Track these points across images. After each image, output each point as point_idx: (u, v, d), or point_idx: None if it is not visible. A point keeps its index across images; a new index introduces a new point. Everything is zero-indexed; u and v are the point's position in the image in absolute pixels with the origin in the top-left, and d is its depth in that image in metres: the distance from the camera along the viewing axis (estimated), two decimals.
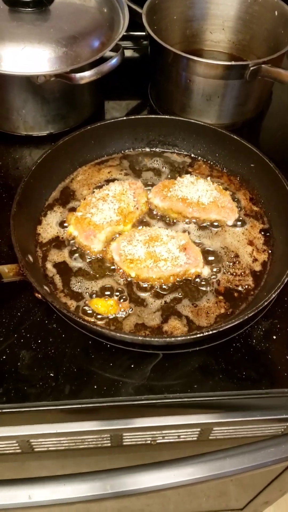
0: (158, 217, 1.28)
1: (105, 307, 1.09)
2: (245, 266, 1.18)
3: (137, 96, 1.68)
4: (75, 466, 1.34)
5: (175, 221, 1.26)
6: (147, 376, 1.02)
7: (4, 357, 1.03)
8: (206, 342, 1.06)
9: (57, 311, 1.08)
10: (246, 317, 1.00)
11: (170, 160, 1.40)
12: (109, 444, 1.16)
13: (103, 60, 1.33)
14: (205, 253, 1.20)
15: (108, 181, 1.32)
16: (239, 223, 1.26)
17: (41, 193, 1.27)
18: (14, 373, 1.00)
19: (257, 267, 1.18)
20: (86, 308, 1.10)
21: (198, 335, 0.98)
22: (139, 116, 1.37)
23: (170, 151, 1.41)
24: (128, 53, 1.80)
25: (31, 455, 1.19)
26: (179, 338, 1.00)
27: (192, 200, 1.24)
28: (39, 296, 1.05)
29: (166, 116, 1.37)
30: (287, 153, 1.50)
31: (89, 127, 1.31)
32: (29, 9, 1.32)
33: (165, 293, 1.13)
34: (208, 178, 1.32)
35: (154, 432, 1.13)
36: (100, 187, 1.30)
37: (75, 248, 1.20)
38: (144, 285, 1.14)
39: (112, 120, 1.34)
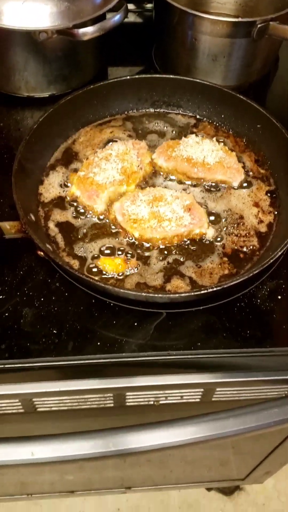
0: (162, 177, 1.26)
1: (113, 266, 1.08)
2: (250, 227, 1.17)
3: (141, 61, 1.65)
4: (78, 428, 1.34)
5: (179, 181, 1.24)
6: (151, 335, 1.01)
7: (7, 314, 1.02)
8: (210, 301, 1.05)
9: (59, 270, 1.07)
10: (251, 274, 0.98)
11: (174, 121, 1.37)
12: (112, 404, 1.16)
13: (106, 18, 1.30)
14: (210, 214, 1.18)
15: (111, 142, 1.30)
16: (245, 184, 1.24)
17: (43, 153, 1.25)
18: (17, 330, 1.00)
19: (263, 228, 1.17)
20: (91, 266, 1.08)
21: (203, 292, 0.97)
22: (143, 76, 1.34)
23: (174, 112, 1.39)
24: (132, 17, 1.77)
25: (34, 416, 1.19)
26: (183, 295, 0.99)
27: (197, 160, 1.21)
28: (42, 254, 1.04)
29: (171, 76, 1.34)
30: None
31: (92, 86, 1.29)
32: None
33: (168, 253, 1.12)
34: (214, 139, 1.29)
35: (157, 392, 1.13)
36: (103, 147, 1.27)
37: (77, 208, 1.18)
38: (147, 245, 1.12)
39: (116, 79, 1.31)
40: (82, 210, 1.18)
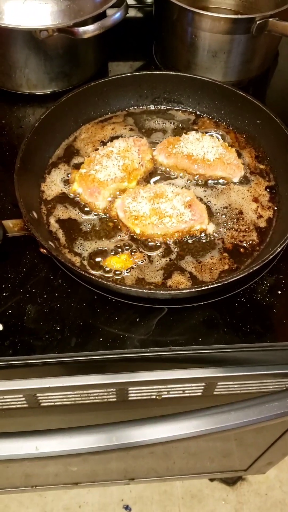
0: (163, 174, 1.27)
1: (121, 263, 1.09)
2: (249, 222, 1.18)
3: (142, 56, 1.65)
4: (81, 423, 1.36)
5: (180, 178, 1.25)
6: (152, 330, 1.02)
7: (10, 311, 1.03)
8: (211, 297, 1.06)
9: (62, 267, 1.09)
10: (251, 270, 1.00)
11: (175, 117, 1.38)
12: (115, 399, 1.18)
13: (107, 16, 1.30)
14: (210, 209, 1.20)
15: (112, 139, 1.31)
16: (244, 180, 1.25)
17: (45, 150, 1.26)
18: (20, 327, 1.01)
19: (262, 224, 1.18)
20: (93, 262, 1.10)
21: (203, 288, 0.98)
22: (144, 72, 1.35)
23: (175, 108, 1.39)
24: (132, 12, 1.77)
25: (38, 410, 1.21)
26: (184, 291, 1.00)
27: (197, 156, 1.22)
28: (44, 251, 1.06)
29: (171, 72, 1.35)
30: None
31: (93, 83, 1.29)
32: None
33: (169, 249, 1.13)
34: (214, 135, 1.30)
35: (159, 386, 1.14)
36: (104, 144, 1.28)
37: (79, 205, 1.19)
38: (150, 243, 1.14)
39: (117, 76, 1.32)
40: (84, 207, 1.19)
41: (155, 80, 1.35)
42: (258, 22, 1.29)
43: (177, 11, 1.36)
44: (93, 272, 1.08)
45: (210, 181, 1.25)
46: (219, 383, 1.16)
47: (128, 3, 1.39)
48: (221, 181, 1.25)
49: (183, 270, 1.10)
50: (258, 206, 1.20)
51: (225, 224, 1.17)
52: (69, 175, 1.24)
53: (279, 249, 1.03)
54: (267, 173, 1.27)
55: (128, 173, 1.20)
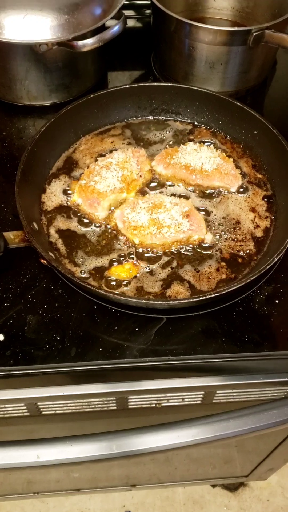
0: (161, 184, 1.28)
1: (125, 272, 1.11)
2: (246, 232, 1.19)
3: (140, 66, 1.67)
4: (82, 430, 1.37)
5: (178, 188, 1.27)
6: (151, 340, 1.03)
7: (11, 321, 1.05)
8: (209, 306, 1.07)
9: (62, 277, 1.10)
10: (249, 280, 1.01)
11: (173, 128, 1.40)
12: (115, 407, 1.19)
13: (105, 28, 1.32)
14: (208, 219, 1.21)
15: (111, 150, 1.33)
16: (242, 189, 1.26)
17: (45, 162, 1.28)
18: (21, 337, 1.03)
19: (259, 233, 1.19)
20: (93, 272, 1.11)
21: (201, 298, 0.99)
22: (143, 84, 1.36)
23: (173, 119, 1.41)
24: (131, 22, 1.78)
25: (39, 419, 1.22)
26: (182, 301, 1.02)
27: (195, 167, 1.24)
28: (45, 262, 1.07)
29: (169, 84, 1.37)
30: None
31: (92, 96, 1.31)
32: None
33: (168, 259, 1.14)
34: (212, 145, 1.32)
35: (159, 395, 1.16)
36: (103, 155, 1.30)
37: (79, 216, 1.21)
38: (149, 254, 1.15)
39: (116, 88, 1.34)
40: (84, 218, 1.20)
41: (153, 92, 1.36)
42: (254, 34, 1.31)
43: (175, 23, 1.37)
44: (92, 282, 1.09)
45: (208, 191, 1.26)
46: (218, 392, 1.17)
47: (127, 14, 1.41)
48: (218, 190, 1.26)
49: (182, 280, 1.11)
50: (255, 216, 1.22)
51: (222, 234, 1.19)
52: (69, 186, 1.25)
53: (276, 259, 1.05)
54: (264, 183, 1.28)
55: (127, 184, 1.22)
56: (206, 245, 1.17)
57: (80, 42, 1.26)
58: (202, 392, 1.16)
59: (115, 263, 1.13)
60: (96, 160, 1.28)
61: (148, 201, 1.19)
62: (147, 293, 1.09)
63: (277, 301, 1.10)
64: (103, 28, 1.32)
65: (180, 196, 1.25)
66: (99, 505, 2.30)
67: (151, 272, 1.12)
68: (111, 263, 1.13)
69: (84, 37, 1.28)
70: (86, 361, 1.00)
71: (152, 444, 1.07)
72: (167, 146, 1.36)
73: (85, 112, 1.33)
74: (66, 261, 1.13)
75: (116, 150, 1.30)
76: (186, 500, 2.34)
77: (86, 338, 1.03)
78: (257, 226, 1.20)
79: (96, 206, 1.19)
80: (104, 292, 1.00)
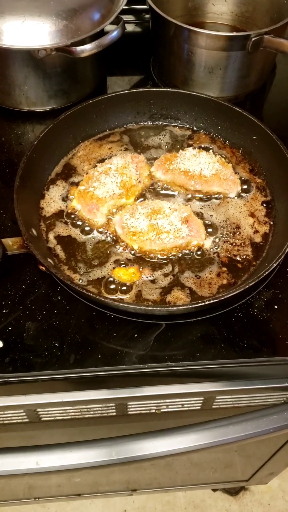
0: (160, 190, 1.28)
1: (128, 275, 1.11)
2: (246, 237, 1.19)
3: (139, 71, 1.67)
4: (82, 436, 1.37)
5: (177, 194, 1.27)
6: (150, 346, 1.03)
7: (10, 328, 1.05)
8: (208, 312, 1.07)
9: (61, 283, 1.10)
10: (247, 286, 1.01)
11: (172, 133, 1.40)
12: (115, 413, 1.19)
13: (104, 33, 1.32)
14: (207, 225, 1.21)
15: (110, 156, 1.33)
16: (241, 194, 1.26)
17: (44, 167, 1.28)
18: (20, 344, 1.02)
19: (258, 239, 1.19)
20: (93, 278, 1.11)
21: (200, 304, 0.99)
22: (141, 89, 1.36)
23: (172, 124, 1.41)
24: (130, 27, 1.79)
25: (38, 425, 1.22)
26: (181, 308, 1.02)
27: (194, 173, 1.24)
28: (43, 268, 1.07)
29: (168, 89, 1.37)
30: None
31: (91, 101, 1.31)
32: None
33: (168, 265, 1.14)
34: (211, 150, 1.32)
35: (158, 401, 1.15)
36: (102, 161, 1.30)
37: (78, 222, 1.21)
38: (149, 259, 1.15)
39: (114, 94, 1.34)
40: (83, 224, 1.20)
41: (152, 97, 1.36)
42: (253, 39, 1.31)
43: (173, 29, 1.38)
44: (91, 289, 1.09)
45: (207, 196, 1.26)
46: (217, 397, 1.17)
47: (126, 19, 1.41)
48: (218, 196, 1.26)
49: (183, 286, 1.11)
50: (254, 221, 1.22)
51: (221, 237, 1.19)
52: (68, 192, 1.25)
53: (275, 265, 1.05)
54: (263, 188, 1.28)
55: (126, 190, 1.22)
56: (206, 250, 1.17)
57: (79, 48, 1.26)
58: (202, 398, 1.16)
59: (122, 264, 1.14)
60: (95, 166, 1.28)
61: (147, 206, 1.19)
62: (147, 299, 1.09)
63: (276, 307, 1.10)
64: (101, 33, 1.33)
65: (179, 202, 1.25)
66: (100, 509, 2.30)
67: (152, 280, 1.12)
68: (109, 267, 1.13)
69: (82, 42, 1.28)
70: (85, 368, 1.00)
71: (151, 450, 1.07)
72: (166, 151, 1.36)
73: (84, 118, 1.33)
74: (65, 267, 1.13)
75: (116, 155, 1.30)
76: (187, 504, 2.34)
77: (85, 345, 1.03)
78: (256, 231, 1.20)
79: (95, 212, 1.19)
80: (103, 299, 1.00)
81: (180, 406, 1.19)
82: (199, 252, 1.16)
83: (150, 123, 1.41)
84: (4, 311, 1.07)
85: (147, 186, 1.28)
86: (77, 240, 1.18)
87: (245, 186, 1.28)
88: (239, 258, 1.15)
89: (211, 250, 1.17)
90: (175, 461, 1.80)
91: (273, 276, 1.13)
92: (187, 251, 1.16)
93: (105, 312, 1.07)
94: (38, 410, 1.14)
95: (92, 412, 1.18)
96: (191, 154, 1.27)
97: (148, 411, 1.20)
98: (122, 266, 1.14)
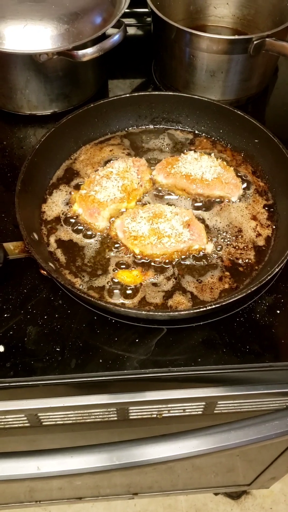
0: (162, 194, 1.28)
1: (131, 278, 1.11)
2: (248, 240, 1.19)
3: (141, 74, 1.67)
4: (83, 440, 1.36)
5: (179, 197, 1.27)
6: (152, 350, 1.03)
7: (11, 332, 1.04)
8: (210, 317, 1.07)
9: (62, 288, 1.10)
10: (249, 291, 1.00)
11: (173, 137, 1.40)
12: (116, 418, 1.18)
13: (106, 37, 1.32)
14: (208, 229, 1.21)
15: (111, 159, 1.33)
16: (242, 197, 1.26)
17: (45, 171, 1.27)
18: (21, 348, 1.02)
19: (261, 242, 1.19)
20: (94, 283, 1.11)
21: (202, 309, 0.99)
22: (143, 93, 1.36)
23: (173, 128, 1.41)
24: (131, 30, 1.79)
25: (39, 429, 1.22)
26: (182, 312, 1.01)
27: (196, 176, 1.24)
28: (44, 273, 1.07)
29: (170, 93, 1.37)
30: None
31: (92, 105, 1.31)
32: None
33: (169, 269, 1.14)
34: (212, 154, 1.32)
35: (160, 406, 1.15)
36: (104, 164, 1.30)
37: (79, 226, 1.21)
38: (151, 263, 1.15)
39: (116, 97, 1.33)
40: (84, 228, 1.20)
41: (154, 101, 1.36)
42: (255, 42, 1.31)
43: (175, 32, 1.37)
44: (92, 293, 1.09)
45: (209, 200, 1.26)
46: (219, 402, 1.16)
47: (127, 22, 1.41)
48: (219, 199, 1.26)
49: (185, 291, 1.11)
50: (257, 224, 1.21)
51: (223, 241, 1.18)
52: (69, 196, 1.25)
53: (277, 269, 1.04)
54: (265, 192, 1.28)
55: (128, 194, 1.22)
56: (207, 254, 1.16)
57: (80, 52, 1.26)
58: (203, 403, 1.16)
59: (123, 267, 1.14)
60: (97, 170, 1.27)
61: (148, 210, 1.18)
62: (148, 303, 1.08)
63: (278, 312, 1.09)
64: (103, 37, 1.32)
65: (181, 206, 1.25)
66: None
67: (154, 283, 1.12)
68: (111, 271, 1.13)
69: (84, 46, 1.28)
70: (86, 373, 1.00)
71: (153, 455, 1.07)
72: (167, 155, 1.35)
73: (86, 122, 1.33)
74: (66, 271, 1.13)
75: (117, 159, 1.30)
76: (189, 508, 2.33)
77: (86, 349, 1.03)
78: (259, 234, 1.20)
79: (96, 216, 1.18)
80: (104, 303, 1.00)
81: (182, 411, 1.18)
82: (200, 256, 1.16)
83: (151, 126, 1.41)
84: (5, 315, 1.07)
85: (149, 190, 1.28)
86: (78, 244, 1.18)
87: (244, 185, 1.28)
88: (241, 261, 1.15)
89: (213, 254, 1.16)
90: (176, 465, 1.79)
91: (275, 280, 1.13)
92: (188, 255, 1.16)
93: (106, 316, 1.07)
94: (39, 414, 1.14)
95: (93, 417, 1.17)
96: (193, 158, 1.26)
97: (149, 416, 1.19)
98: (123, 268, 1.13)
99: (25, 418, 1.15)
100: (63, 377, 1.00)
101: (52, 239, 1.18)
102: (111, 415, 1.17)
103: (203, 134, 1.39)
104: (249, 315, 1.09)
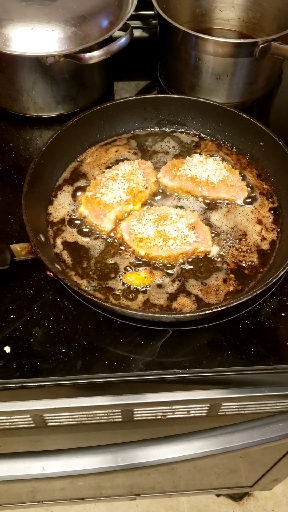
0: (167, 196, 1.29)
1: (140, 279, 1.12)
2: (252, 243, 1.19)
3: (147, 76, 1.67)
4: (88, 441, 1.37)
5: (184, 200, 1.27)
6: (157, 352, 1.04)
7: (17, 333, 1.05)
8: (215, 319, 1.07)
9: (68, 289, 1.10)
10: (255, 293, 1.01)
11: (179, 139, 1.40)
12: (121, 419, 1.19)
13: (112, 40, 1.33)
14: (214, 231, 1.21)
15: (117, 161, 1.33)
16: (248, 200, 1.27)
17: (52, 173, 1.28)
18: (27, 349, 1.03)
19: (265, 246, 1.19)
20: (100, 285, 1.11)
21: (207, 312, 0.99)
22: (149, 96, 1.37)
23: (179, 130, 1.41)
24: (137, 33, 1.79)
25: (44, 430, 1.22)
26: (188, 315, 1.02)
27: (201, 179, 1.24)
28: (51, 274, 1.07)
29: (175, 95, 1.38)
30: None
31: (98, 107, 1.32)
32: None
33: (174, 271, 1.14)
34: (218, 156, 1.32)
35: (164, 407, 1.16)
36: (110, 167, 1.31)
37: (85, 228, 1.21)
38: (154, 263, 1.15)
39: (122, 100, 1.34)
40: (90, 230, 1.21)
41: (159, 103, 1.37)
42: (261, 45, 1.32)
43: (181, 35, 1.38)
44: (98, 295, 1.09)
45: (214, 203, 1.26)
46: (223, 404, 1.17)
47: (133, 24, 1.41)
48: (225, 202, 1.26)
49: (189, 293, 1.11)
50: (262, 228, 1.22)
51: (227, 243, 1.19)
52: (75, 198, 1.26)
53: (282, 272, 1.05)
54: (270, 195, 1.28)
55: (133, 196, 1.22)
56: (212, 257, 1.17)
57: (87, 55, 1.27)
58: (208, 405, 1.16)
59: (129, 270, 1.14)
60: (103, 172, 1.28)
61: (154, 213, 1.19)
62: (153, 305, 1.09)
63: (283, 314, 1.10)
64: (110, 40, 1.33)
65: (186, 208, 1.25)
66: None
67: (159, 285, 1.12)
68: (117, 273, 1.13)
69: (91, 49, 1.29)
70: (92, 374, 1.00)
71: (157, 456, 1.07)
72: (173, 157, 1.36)
73: (92, 124, 1.34)
74: (72, 273, 1.13)
75: (123, 161, 1.31)
76: (191, 509, 2.33)
77: (92, 351, 1.03)
78: (264, 238, 1.20)
79: (102, 218, 1.19)
80: (110, 305, 1.01)
81: (186, 412, 1.19)
82: (205, 259, 1.17)
83: (157, 129, 1.42)
84: (11, 316, 1.07)
85: (154, 192, 1.28)
86: (84, 246, 1.18)
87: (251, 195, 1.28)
88: (244, 264, 1.16)
89: (218, 256, 1.17)
90: (179, 466, 1.80)
91: (280, 283, 1.13)
92: (193, 258, 1.17)
93: (112, 318, 1.07)
94: (44, 415, 1.14)
95: (98, 418, 1.18)
96: (198, 161, 1.27)
97: (154, 418, 1.20)
98: (130, 271, 1.14)
99: (30, 419, 1.16)
100: (68, 378, 1.00)
101: (58, 241, 1.18)
102: (116, 416, 1.17)
103: (209, 137, 1.40)
104: (254, 317, 1.09)
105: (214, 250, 1.17)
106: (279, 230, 1.21)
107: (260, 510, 2.35)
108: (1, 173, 1.34)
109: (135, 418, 1.19)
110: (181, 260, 1.16)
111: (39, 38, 1.26)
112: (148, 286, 1.11)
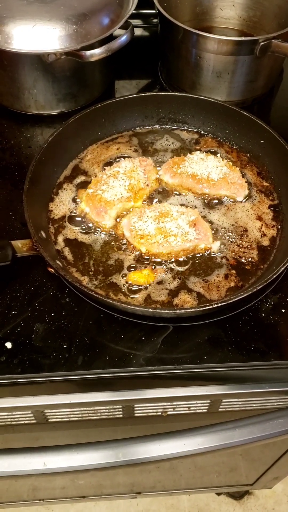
0: (168, 193, 1.29)
1: (143, 277, 1.12)
2: (253, 240, 1.20)
3: (147, 75, 1.68)
4: (89, 438, 1.37)
5: (185, 197, 1.28)
6: (158, 348, 1.04)
7: (19, 329, 1.05)
8: (215, 315, 1.08)
9: (69, 285, 1.11)
10: (255, 290, 1.01)
11: (180, 137, 1.41)
12: (121, 415, 1.19)
13: (113, 38, 1.33)
14: (214, 228, 1.22)
15: (118, 158, 1.34)
16: (248, 197, 1.27)
17: (53, 170, 1.29)
18: (29, 345, 1.03)
19: (265, 242, 1.19)
20: (101, 282, 1.12)
21: (208, 307, 1.00)
22: (150, 93, 1.38)
23: (180, 128, 1.42)
24: (138, 31, 1.80)
25: (45, 426, 1.23)
26: (189, 310, 1.02)
27: (202, 176, 1.25)
28: (52, 270, 1.08)
29: (176, 93, 1.38)
30: None
31: (99, 105, 1.32)
32: None
33: (175, 267, 1.15)
34: (218, 154, 1.33)
35: (165, 403, 1.16)
36: (111, 164, 1.31)
37: (86, 225, 1.22)
38: (155, 260, 1.16)
39: (123, 98, 1.35)
40: (91, 226, 1.21)
41: (160, 101, 1.37)
42: (261, 43, 1.32)
43: (182, 33, 1.38)
44: (99, 291, 1.10)
45: (214, 200, 1.27)
46: (224, 400, 1.17)
47: (134, 23, 1.42)
48: (225, 199, 1.27)
49: (190, 289, 1.11)
50: (262, 225, 1.22)
51: (228, 240, 1.19)
52: (76, 195, 1.26)
53: (283, 269, 1.05)
54: (270, 192, 1.29)
55: (134, 193, 1.23)
56: (213, 253, 1.17)
57: (88, 52, 1.27)
58: (208, 401, 1.16)
59: (132, 269, 1.14)
60: (104, 169, 1.29)
61: (155, 210, 1.19)
62: (154, 301, 1.09)
63: (283, 310, 1.10)
64: (111, 38, 1.33)
65: (187, 205, 1.26)
66: None
67: (159, 281, 1.13)
68: (118, 270, 1.14)
69: (92, 47, 1.29)
70: (92, 370, 1.01)
71: (158, 452, 1.07)
72: (174, 155, 1.37)
73: (93, 121, 1.34)
74: (73, 269, 1.14)
75: (123, 158, 1.31)
76: (191, 507, 2.34)
77: (93, 347, 1.03)
78: (264, 234, 1.20)
79: (103, 215, 1.20)
80: (111, 301, 1.01)
81: (187, 408, 1.19)
82: (206, 255, 1.17)
83: (158, 126, 1.42)
84: (13, 312, 1.08)
85: (155, 189, 1.29)
86: (85, 242, 1.19)
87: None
88: (244, 260, 1.16)
89: (219, 253, 1.17)
90: (179, 464, 1.80)
91: (280, 279, 1.14)
92: (194, 254, 1.17)
93: (113, 314, 1.08)
94: (45, 411, 1.15)
95: (99, 414, 1.18)
96: (199, 158, 1.27)
97: (154, 414, 1.20)
98: (132, 270, 1.14)
99: (31, 415, 1.16)
100: (70, 374, 1.00)
101: (59, 238, 1.19)
102: (117, 413, 1.18)
103: (209, 135, 1.40)
104: (254, 313, 1.10)
105: (215, 247, 1.18)
106: (279, 227, 1.22)
107: (260, 509, 2.35)
108: (2, 170, 1.34)
109: (136, 414, 1.20)
110: (182, 257, 1.16)
111: (40, 36, 1.26)
112: (146, 285, 1.12)
